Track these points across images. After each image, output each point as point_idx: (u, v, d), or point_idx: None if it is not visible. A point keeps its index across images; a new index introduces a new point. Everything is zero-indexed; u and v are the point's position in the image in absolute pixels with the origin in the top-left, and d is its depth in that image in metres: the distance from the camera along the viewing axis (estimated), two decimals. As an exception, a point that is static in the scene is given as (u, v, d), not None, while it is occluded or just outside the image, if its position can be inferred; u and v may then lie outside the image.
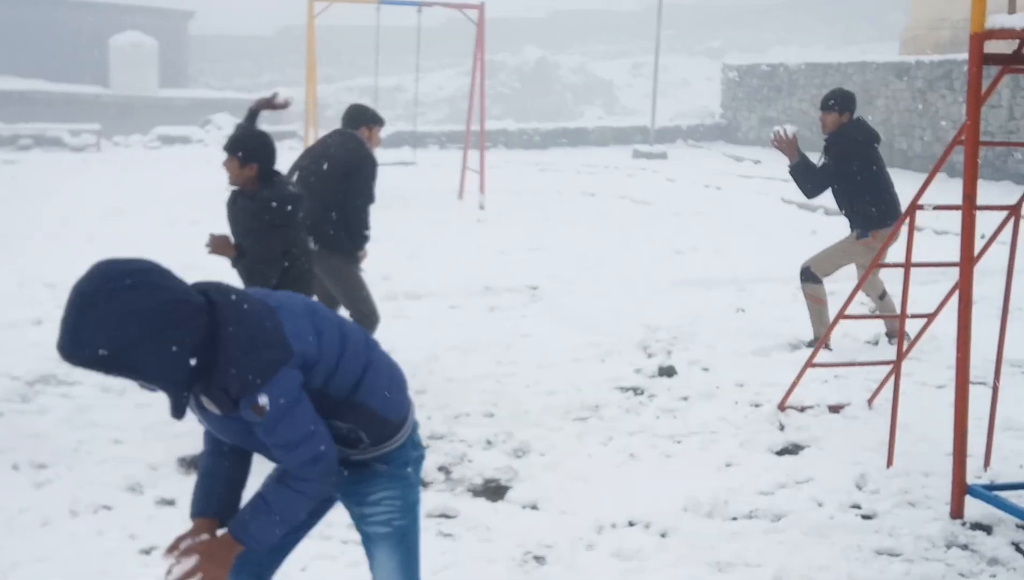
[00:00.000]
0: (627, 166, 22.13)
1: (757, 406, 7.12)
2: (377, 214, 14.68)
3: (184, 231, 12.49)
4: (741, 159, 23.44)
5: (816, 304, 8.27)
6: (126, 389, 7.22)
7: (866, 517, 5.43)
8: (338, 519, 5.25)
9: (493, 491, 5.77)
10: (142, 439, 6.25)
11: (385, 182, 17.71)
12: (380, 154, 20.73)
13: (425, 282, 10.62)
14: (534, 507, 5.54)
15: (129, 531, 5.08)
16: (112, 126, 25.78)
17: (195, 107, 28.77)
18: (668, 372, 7.84)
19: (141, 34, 30.27)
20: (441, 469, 6.04)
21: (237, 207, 5.95)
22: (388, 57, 23.37)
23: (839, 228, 14.37)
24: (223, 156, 5.89)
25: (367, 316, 7.01)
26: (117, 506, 5.36)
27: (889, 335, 8.39)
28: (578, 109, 37.98)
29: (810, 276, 8.29)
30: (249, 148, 5.84)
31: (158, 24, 33.21)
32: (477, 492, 5.76)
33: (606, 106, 38.94)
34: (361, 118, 7.37)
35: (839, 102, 8.25)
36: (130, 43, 29.76)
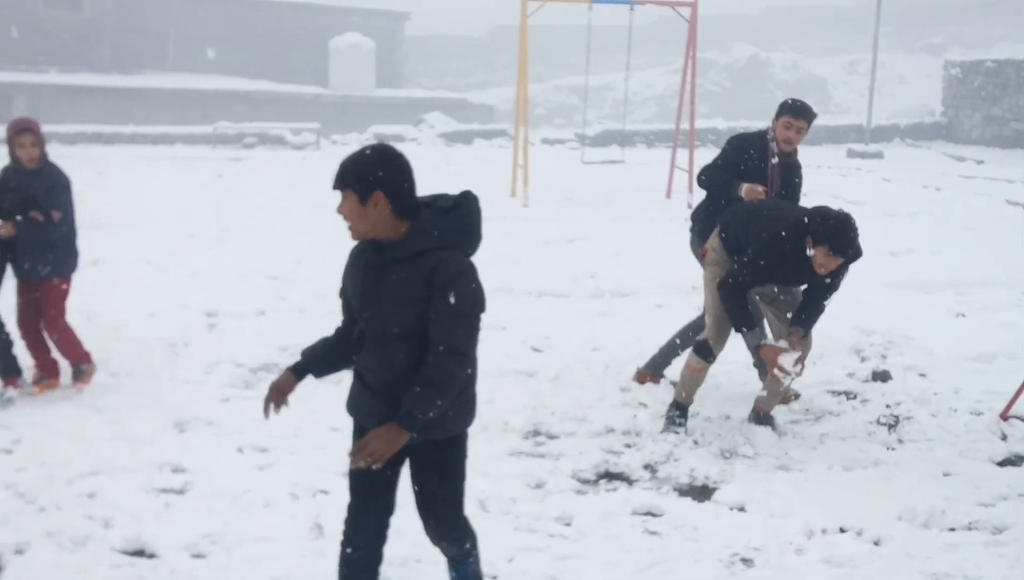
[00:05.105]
0: (840, 165, 21.55)
1: (977, 414, 6.86)
2: (583, 211, 14.87)
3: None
4: (963, 159, 22.49)
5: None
6: (341, 380, 7.46)
7: (1096, 534, 5.17)
8: (545, 511, 5.34)
9: (700, 491, 5.73)
10: (357, 427, 6.44)
11: (593, 180, 17.84)
12: (588, 152, 20.77)
13: (632, 281, 10.60)
14: (741, 509, 5.48)
15: (345, 515, 5.24)
16: (330, 125, 26.71)
17: (409, 106, 29.50)
18: (882, 377, 7.62)
19: (360, 36, 31.24)
20: (647, 467, 6.04)
21: (396, 275, 3.75)
22: (597, 56, 23.41)
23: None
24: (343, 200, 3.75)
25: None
26: (334, 491, 5.53)
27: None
28: (790, 107, 37.20)
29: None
30: (373, 173, 3.69)
31: (376, 25, 34.24)
32: (683, 491, 5.73)
33: (819, 104, 37.96)
34: None
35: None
36: (349, 44, 30.76)
